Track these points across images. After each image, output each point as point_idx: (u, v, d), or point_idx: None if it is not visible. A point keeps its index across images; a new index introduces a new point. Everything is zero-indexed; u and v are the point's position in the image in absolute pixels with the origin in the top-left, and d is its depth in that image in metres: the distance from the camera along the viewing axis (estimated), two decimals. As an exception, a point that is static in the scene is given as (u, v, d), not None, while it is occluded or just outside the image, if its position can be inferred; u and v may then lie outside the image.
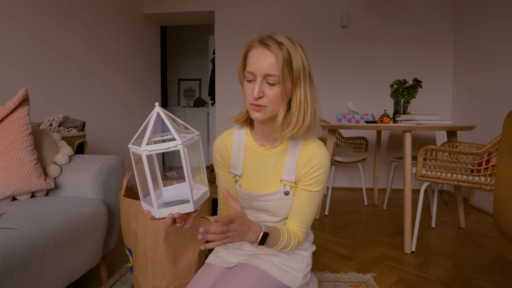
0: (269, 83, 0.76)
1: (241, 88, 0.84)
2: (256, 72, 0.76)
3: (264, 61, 0.75)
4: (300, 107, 0.79)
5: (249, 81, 0.79)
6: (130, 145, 0.62)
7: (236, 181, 0.93)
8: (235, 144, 0.92)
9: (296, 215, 0.87)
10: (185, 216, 0.68)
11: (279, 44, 0.75)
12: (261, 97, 0.77)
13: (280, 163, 0.87)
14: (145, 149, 0.58)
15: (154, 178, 0.65)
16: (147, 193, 0.65)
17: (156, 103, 0.64)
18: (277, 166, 0.88)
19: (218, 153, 0.93)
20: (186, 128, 0.69)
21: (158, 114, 0.63)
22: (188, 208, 0.63)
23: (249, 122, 0.92)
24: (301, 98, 0.79)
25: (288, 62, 0.75)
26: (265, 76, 0.76)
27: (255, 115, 0.79)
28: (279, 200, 0.88)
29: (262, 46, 0.76)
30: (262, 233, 0.77)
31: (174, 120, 0.65)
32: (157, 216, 0.64)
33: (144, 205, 0.66)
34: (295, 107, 0.79)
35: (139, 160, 0.61)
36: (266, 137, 0.88)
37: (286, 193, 0.87)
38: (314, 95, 0.82)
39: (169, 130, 0.62)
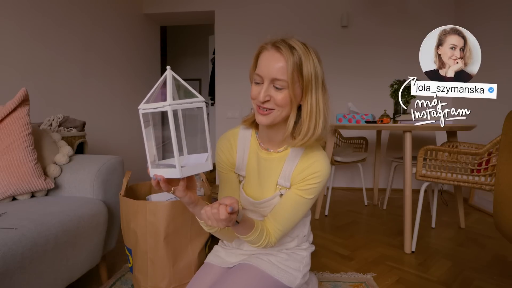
0: (276, 87, 0.74)
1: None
2: (264, 75, 0.74)
3: (273, 65, 0.73)
4: (311, 115, 0.76)
5: (257, 83, 0.77)
6: (141, 106, 0.62)
7: (240, 181, 0.92)
8: (241, 145, 0.90)
9: (277, 214, 0.83)
10: (172, 183, 0.66)
11: (291, 48, 0.73)
12: (267, 101, 0.75)
13: (278, 168, 0.86)
14: (171, 103, 0.58)
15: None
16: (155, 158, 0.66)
17: (168, 66, 0.63)
18: (276, 171, 0.86)
19: (222, 152, 0.90)
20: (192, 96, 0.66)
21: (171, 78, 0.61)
22: (174, 174, 0.61)
23: (255, 124, 0.90)
24: (312, 106, 0.76)
25: (298, 67, 0.73)
26: (273, 80, 0.74)
27: (260, 119, 0.77)
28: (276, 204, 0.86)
29: (273, 49, 0.74)
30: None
31: (179, 86, 0.64)
32: (150, 175, 0.63)
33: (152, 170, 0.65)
34: (306, 114, 0.76)
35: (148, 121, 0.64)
36: (271, 140, 0.87)
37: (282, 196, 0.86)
38: (326, 104, 0.78)
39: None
